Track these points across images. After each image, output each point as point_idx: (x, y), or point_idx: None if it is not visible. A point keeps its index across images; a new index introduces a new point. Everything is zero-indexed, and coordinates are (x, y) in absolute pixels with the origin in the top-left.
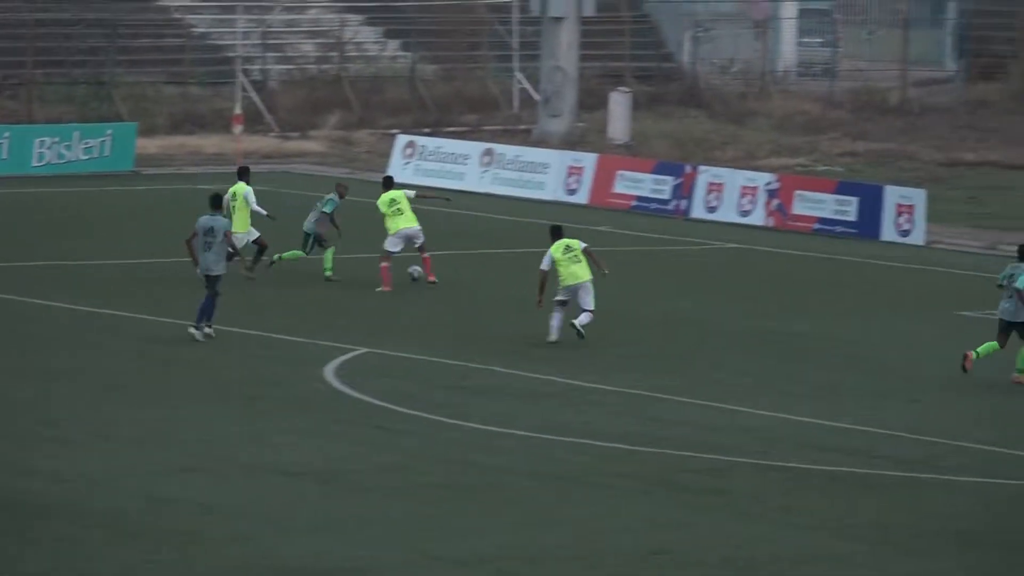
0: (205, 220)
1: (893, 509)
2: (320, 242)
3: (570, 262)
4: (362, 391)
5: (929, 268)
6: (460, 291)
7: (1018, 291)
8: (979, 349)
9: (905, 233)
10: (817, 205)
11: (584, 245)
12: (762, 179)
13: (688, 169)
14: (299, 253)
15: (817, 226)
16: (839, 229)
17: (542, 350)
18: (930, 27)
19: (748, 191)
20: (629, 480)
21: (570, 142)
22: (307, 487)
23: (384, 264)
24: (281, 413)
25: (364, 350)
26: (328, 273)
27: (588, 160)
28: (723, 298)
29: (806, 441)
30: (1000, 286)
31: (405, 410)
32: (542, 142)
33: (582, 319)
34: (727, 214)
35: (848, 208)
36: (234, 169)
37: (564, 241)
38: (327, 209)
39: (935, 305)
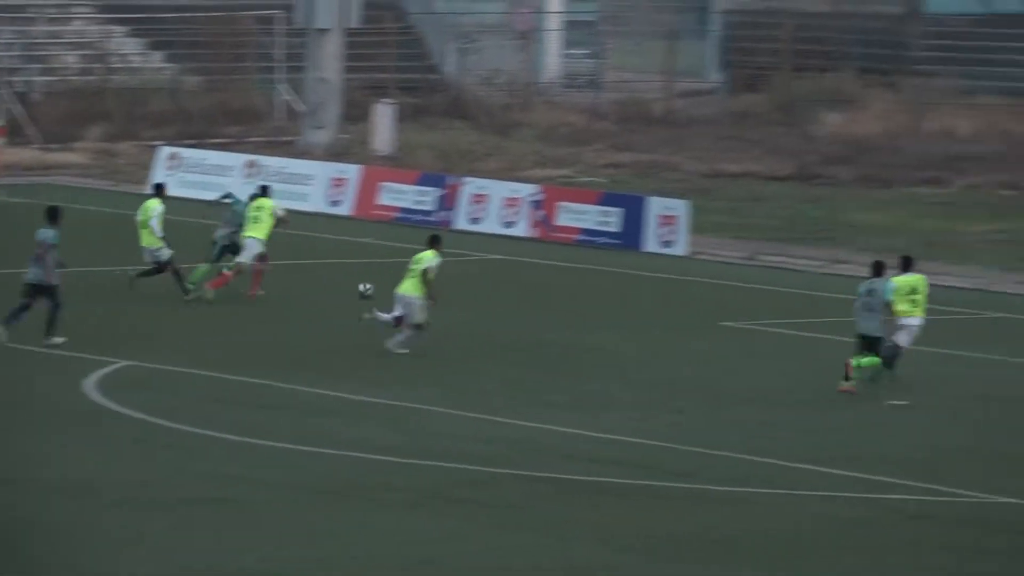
0: (38, 232)
1: (657, 518)
2: (234, 251)
3: (408, 274)
4: (123, 404)
5: (692, 279)
6: (227, 304)
7: (887, 303)
8: (862, 361)
9: (668, 244)
10: (580, 216)
11: (427, 266)
12: (526, 190)
13: (452, 180)
14: (206, 267)
15: (580, 237)
16: (602, 240)
17: (307, 361)
18: (695, 39)
19: (512, 202)
20: (395, 492)
21: (334, 154)
22: (65, 502)
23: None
24: (41, 427)
25: (126, 363)
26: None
27: (352, 172)
28: (488, 310)
29: (572, 452)
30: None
31: (167, 423)
32: (306, 154)
33: (394, 339)
34: (491, 225)
35: (611, 219)
36: None
37: (422, 254)
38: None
39: (697, 316)
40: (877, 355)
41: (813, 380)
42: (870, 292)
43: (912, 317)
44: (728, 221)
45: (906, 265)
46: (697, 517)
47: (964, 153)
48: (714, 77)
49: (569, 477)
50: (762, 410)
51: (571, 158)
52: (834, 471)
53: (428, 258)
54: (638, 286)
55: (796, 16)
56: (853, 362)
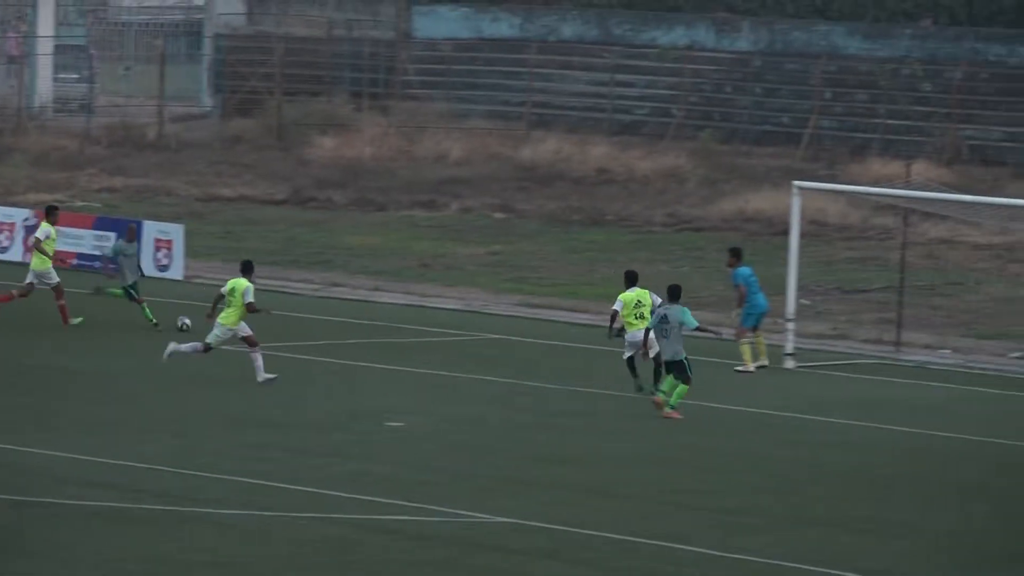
0: None
1: (156, 543)
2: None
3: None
4: None
5: (188, 303)
6: None
7: (681, 324)
8: (664, 391)
9: (164, 268)
10: (76, 241)
11: (233, 286)
12: (20, 215)
13: None
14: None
15: (76, 261)
16: (99, 264)
17: None
18: (187, 63)
19: (5, 227)
20: None
21: None
22: None
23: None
24: None
25: None
26: (153, 320)
27: None
28: None
29: (66, 477)
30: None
31: None
32: None
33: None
34: None
35: (107, 243)
36: None
37: (236, 282)
38: (112, 251)
39: (195, 340)
40: (683, 379)
41: (308, 402)
42: (663, 319)
43: (638, 331)
44: (223, 245)
45: (631, 280)
46: (190, 540)
47: (456, 176)
48: (207, 101)
49: (62, 502)
50: (259, 432)
51: (65, 182)
52: (329, 492)
53: (243, 286)
54: (131, 311)
55: (288, 40)
56: (661, 397)
